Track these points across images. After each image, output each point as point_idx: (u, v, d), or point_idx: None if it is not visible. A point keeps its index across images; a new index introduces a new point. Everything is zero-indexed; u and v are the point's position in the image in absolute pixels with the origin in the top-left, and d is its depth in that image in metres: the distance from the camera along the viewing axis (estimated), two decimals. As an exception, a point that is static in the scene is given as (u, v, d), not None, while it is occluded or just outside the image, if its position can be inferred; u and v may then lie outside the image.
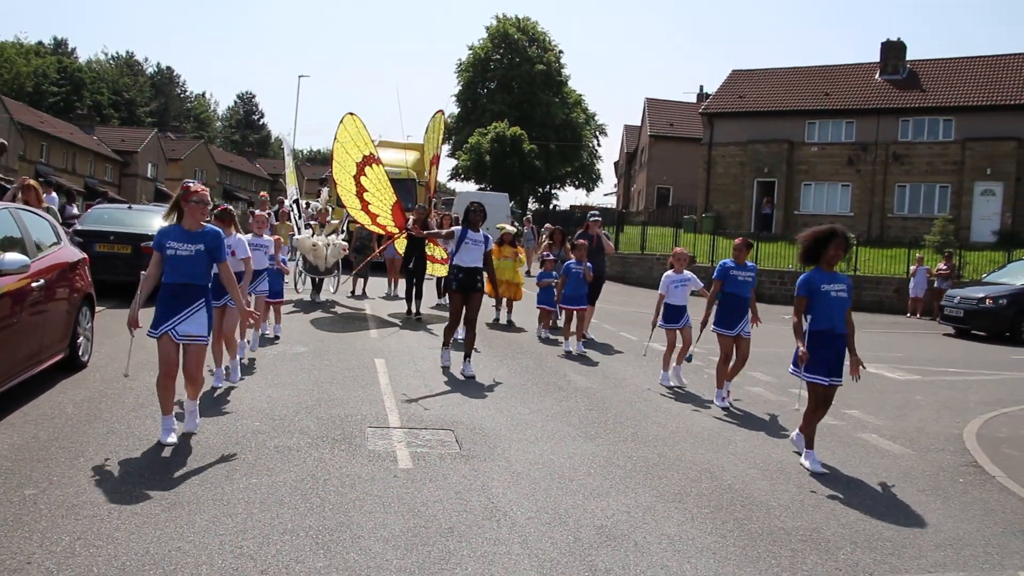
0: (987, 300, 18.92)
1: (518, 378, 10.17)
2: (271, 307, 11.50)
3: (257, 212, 10.91)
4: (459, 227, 10.45)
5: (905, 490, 6.61)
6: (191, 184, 6.41)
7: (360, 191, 14.95)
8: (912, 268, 24.77)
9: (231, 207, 9.18)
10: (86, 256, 9.55)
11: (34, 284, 7.39)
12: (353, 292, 17.87)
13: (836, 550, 5.18)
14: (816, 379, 6.89)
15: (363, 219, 15.37)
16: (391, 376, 9.61)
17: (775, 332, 15.14)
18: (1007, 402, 10.87)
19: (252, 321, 7.83)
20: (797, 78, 43.28)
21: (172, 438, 6.28)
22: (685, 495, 6.05)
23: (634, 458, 6.92)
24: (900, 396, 10.93)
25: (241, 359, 9.43)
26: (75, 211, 22.27)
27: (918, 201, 38.15)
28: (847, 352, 7.00)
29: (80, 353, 8.85)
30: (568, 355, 12.11)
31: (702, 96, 56.77)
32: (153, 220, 15.13)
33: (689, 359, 10.31)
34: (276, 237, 11.55)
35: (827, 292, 6.86)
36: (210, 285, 6.54)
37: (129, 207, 18.56)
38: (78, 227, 14.79)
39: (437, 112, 19.97)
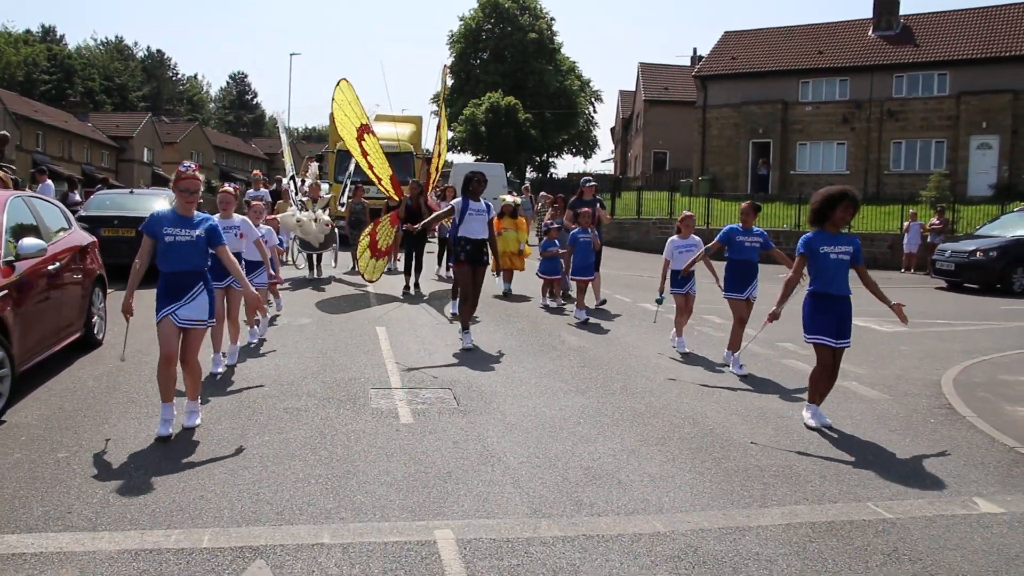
0: (977, 252, 19.29)
1: (514, 340, 10.60)
2: (269, 288, 11.12)
3: (254, 202, 10.68)
4: (458, 199, 10.19)
5: (878, 431, 7.03)
6: (183, 168, 6.22)
7: (364, 153, 14.92)
8: (905, 224, 25.10)
9: (231, 188, 8.96)
10: (96, 239, 9.95)
11: (50, 267, 7.81)
12: (355, 268, 17.66)
13: (805, 483, 5.62)
14: (821, 340, 6.78)
15: (373, 179, 15.40)
16: (392, 343, 10.04)
17: (770, 292, 15.53)
18: (990, 350, 11.26)
19: (259, 312, 8.34)
20: (790, 37, 43.34)
21: (168, 430, 6.02)
22: (668, 439, 6.49)
23: (622, 408, 7.37)
24: (885, 347, 11.32)
25: (252, 343, 9.62)
26: (77, 198, 22.68)
27: (914, 157, 38.38)
28: (883, 303, 6.94)
29: (95, 331, 9.27)
30: (582, 324, 11.96)
31: (696, 59, 56.69)
32: (154, 203, 15.50)
33: (660, 302, 10.29)
34: (272, 217, 11.63)
35: (827, 254, 6.75)
36: (208, 267, 6.36)
37: (131, 192, 18.92)
38: (82, 213, 15.20)
39: (444, 67, 19.76)
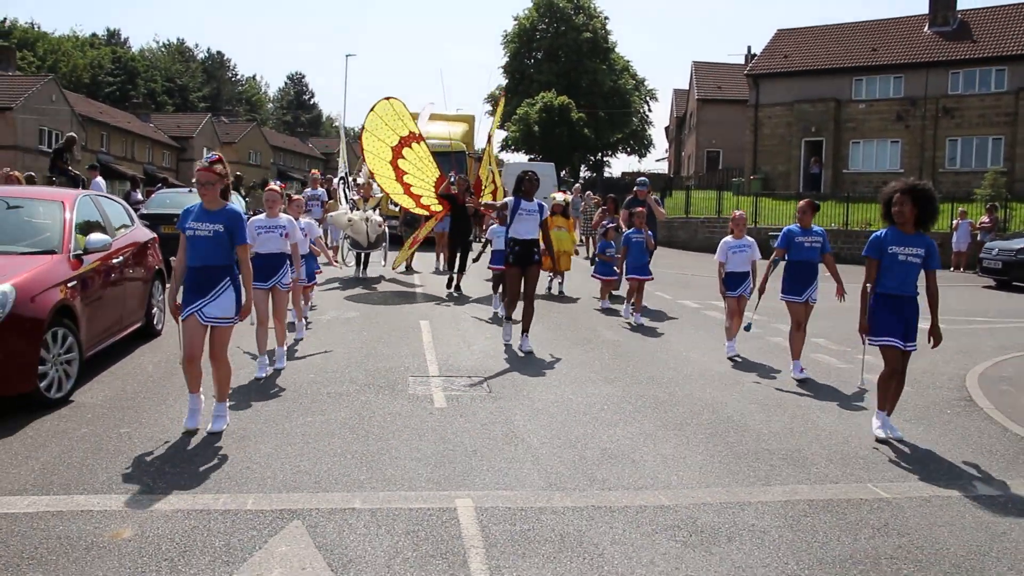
0: (1024, 251, 19.16)
1: (551, 333, 10.98)
2: (304, 291, 10.91)
3: (294, 196, 10.55)
4: (510, 198, 9.97)
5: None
6: (200, 161, 6.23)
7: (399, 175, 14.90)
8: (955, 222, 24.90)
9: (277, 187, 9.04)
10: (156, 236, 10.57)
11: (114, 260, 8.42)
12: (408, 267, 17.78)
13: (811, 465, 5.94)
14: (888, 342, 6.48)
15: (407, 203, 15.39)
16: (434, 335, 10.50)
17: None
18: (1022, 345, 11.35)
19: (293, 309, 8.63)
20: (843, 34, 42.97)
21: (196, 422, 6.09)
22: (685, 424, 6.85)
23: (645, 396, 7.74)
24: (920, 342, 11.44)
25: (291, 345, 9.50)
26: (139, 196, 23.65)
27: (970, 154, 37.85)
28: (931, 316, 6.55)
29: (155, 322, 9.87)
30: (631, 327, 11.76)
31: (750, 57, 56.40)
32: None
33: (748, 328, 9.77)
34: (309, 219, 11.18)
35: (895, 254, 6.37)
36: (235, 265, 6.21)
37: (190, 191, 19.67)
38: (143, 211, 15.95)
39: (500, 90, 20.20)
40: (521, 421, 6.74)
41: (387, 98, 15.07)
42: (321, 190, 21.14)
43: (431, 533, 4.51)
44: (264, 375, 7.97)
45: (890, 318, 6.45)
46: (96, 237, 7.72)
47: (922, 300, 6.56)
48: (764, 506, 5.11)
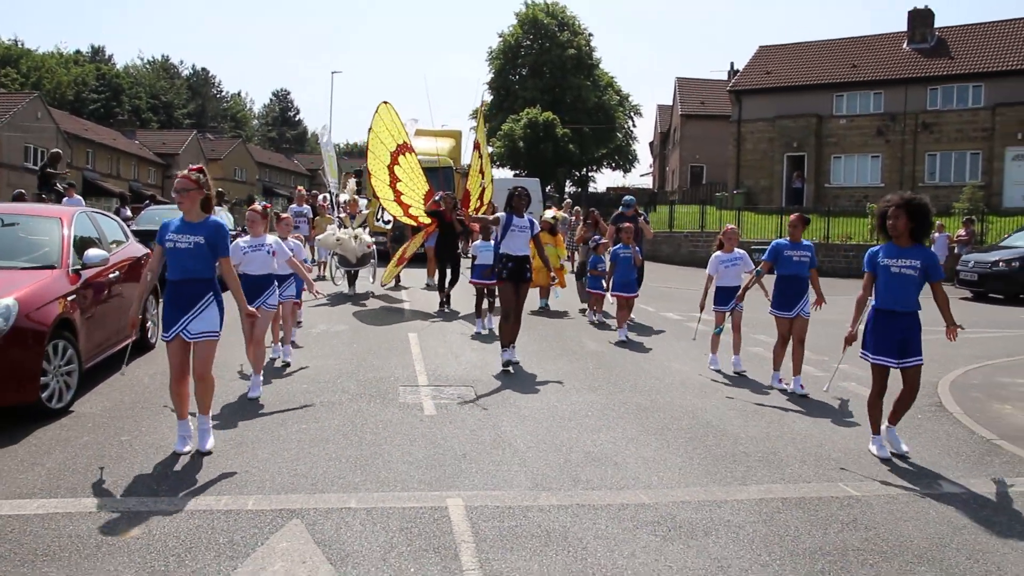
0: (1000, 263, 19.58)
1: (537, 345, 11.24)
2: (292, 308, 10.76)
3: (283, 215, 10.54)
4: (502, 214, 9.88)
5: (865, 425, 7.53)
6: (178, 172, 6.12)
7: (394, 181, 14.89)
8: (933, 236, 25.34)
9: (267, 205, 9.06)
10: (150, 251, 10.77)
11: (111, 275, 8.64)
12: (397, 283, 17.67)
13: (785, 467, 6.23)
14: (878, 360, 6.47)
15: (395, 210, 15.21)
16: (423, 347, 10.75)
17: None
18: (997, 356, 11.68)
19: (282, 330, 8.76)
20: (824, 51, 43.62)
21: (188, 447, 5.99)
22: (666, 429, 7.12)
23: (628, 404, 8.01)
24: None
25: (283, 360, 9.41)
26: (128, 213, 23.90)
27: (949, 169, 38.44)
28: (944, 319, 6.51)
29: (148, 336, 10.07)
30: (622, 343, 11.60)
31: (733, 73, 57.04)
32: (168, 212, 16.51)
33: (718, 332, 9.80)
34: (297, 236, 11.21)
35: (887, 267, 6.33)
36: (217, 279, 6.08)
37: (148, 203, 19.86)
38: (133, 227, 16.16)
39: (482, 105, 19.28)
40: (508, 427, 7.01)
41: (385, 102, 15.11)
42: (306, 207, 21.21)
43: (424, 530, 4.76)
44: (258, 395, 7.81)
45: (884, 335, 6.38)
46: (93, 252, 7.94)
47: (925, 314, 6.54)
48: (740, 503, 5.39)
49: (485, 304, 12.41)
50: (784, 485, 5.81)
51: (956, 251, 24.24)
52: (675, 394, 8.54)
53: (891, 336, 6.38)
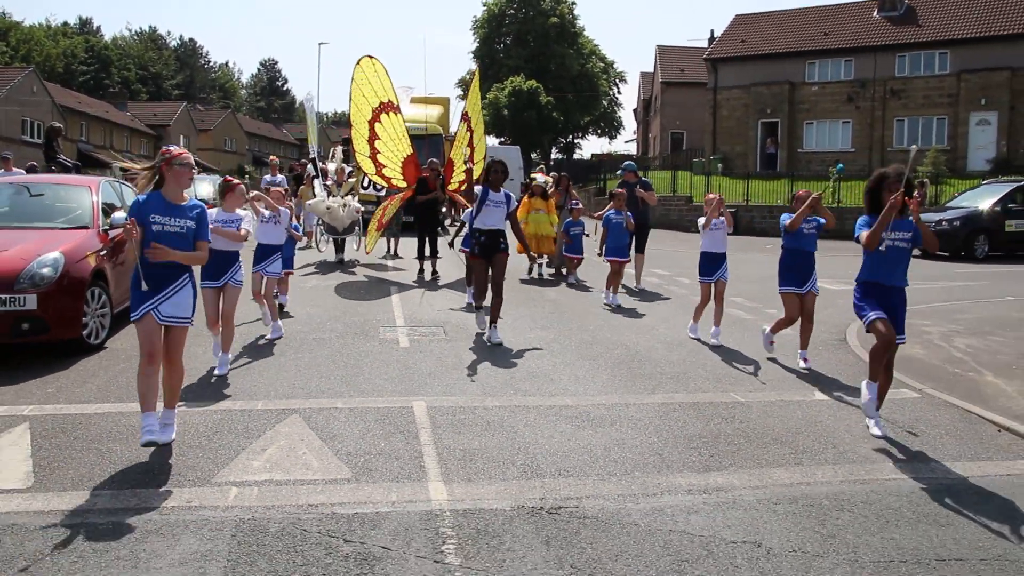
0: (942, 222, 21.05)
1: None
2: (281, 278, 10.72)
3: (273, 188, 10.49)
4: (479, 187, 9.67)
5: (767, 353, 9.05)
6: (172, 147, 5.75)
7: (372, 138, 14.50)
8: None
9: (239, 182, 8.25)
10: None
11: (130, 235, 10.01)
12: (389, 251, 17.95)
13: (690, 381, 7.72)
14: (878, 314, 6.16)
15: (368, 166, 14.85)
16: (402, 299, 12.20)
17: (762, 261, 17.51)
18: (917, 303, 13.12)
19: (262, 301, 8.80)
20: (798, 20, 44.87)
21: (152, 435, 5.38)
22: (599, 357, 8.61)
23: (573, 339, 9.49)
24: (826, 300, 13.15)
25: (271, 339, 9.18)
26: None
27: (916, 134, 39.79)
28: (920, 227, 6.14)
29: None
30: (628, 314, 11.57)
31: (712, 41, 58.21)
32: (199, 186, 17.80)
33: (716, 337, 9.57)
34: (288, 204, 10.83)
35: (882, 239, 6.06)
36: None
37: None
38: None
39: (474, 71, 18.02)
40: (468, 355, 8.50)
41: (370, 56, 14.64)
42: (280, 176, 21.05)
43: (393, 420, 6.24)
44: (223, 371, 7.62)
45: (872, 300, 6.21)
46: (119, 215, 9.30)
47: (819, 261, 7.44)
48: (644, 405, 6.87)
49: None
50: (685, 395, 7.30)
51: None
52: (615, 332, 10.01)
53: (883, 306, 6.19)
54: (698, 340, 9.66)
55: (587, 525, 4.61)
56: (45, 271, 7.76)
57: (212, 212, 7.58)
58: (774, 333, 8.89)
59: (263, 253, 9.27)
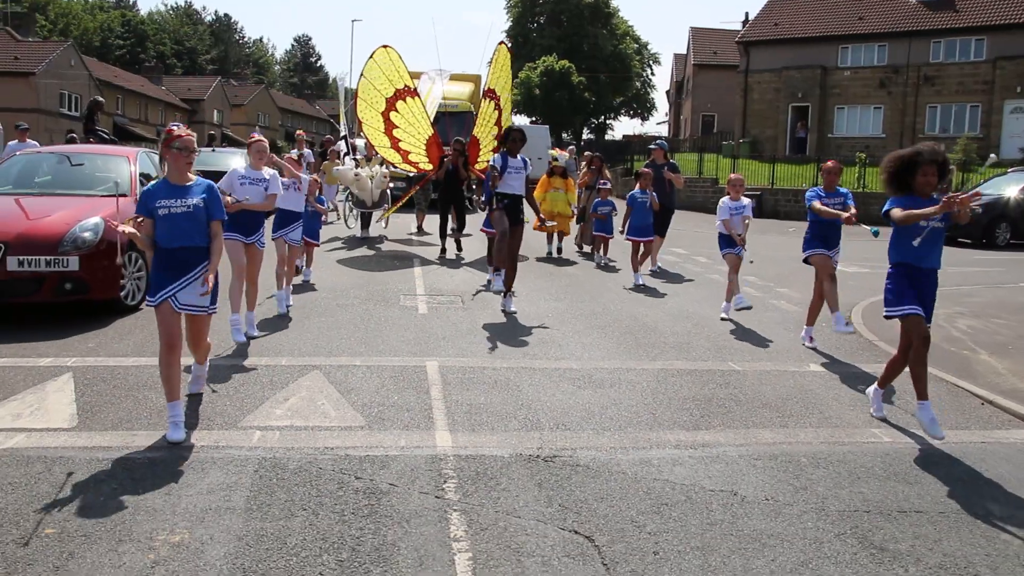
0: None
1: (520, 270, 12.98)
2: (306, 250, 11.19)
3: (288, 155, 10.43)
4: (497, 156, 9.70)
5: (775, 329, 9.40)
6: (174, 127, 5.58)
7: (389, 128, 14.56)
8: (914, 184, 26.86)
9: (263, 139, 8.33)
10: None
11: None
12: (419, 228, 17.86)
13: (691, 350, 8.11)
14: (910, 310, 5.88)
15: (393, 157, 14.91)
16: (423, 270, 12.67)
17: (781, 244, 17.79)
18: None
19: (285, 270, 8.86)
20: (832, 3, 44.50)
21: (179, 435, 5.27)
22: (608, 326, 9.02)
23: (584, 310, 9.91)
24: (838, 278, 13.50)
25: (282, 312, 9.19)
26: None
27: (949, 121, 39.60)
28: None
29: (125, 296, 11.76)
30: (640, 288, 11.76)
31: (747, 23, 57.94)
32: (231, 160, 18.36)
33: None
34: (313, 176, 11.37)
35: (919, 231, 5.78)
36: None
37: (212, 150, 21.66)
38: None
39: (499, 44, 16.99)
40: (482, 321, 8.97)
41: (385, 46, 14.64)
42: (308, 151, 20.51)
43: (407, 376, 6.71)
44: (242, 339, 7.74)
45: (910, 290, 5.89)
46: (155, 184, 9.80)
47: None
48: (644, 371, 7.29)
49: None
50: (684, 362, 7.69)
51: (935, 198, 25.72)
52: (626, 304, 10.41)
53: (916, 292, 5.91)
54: (729, 319, 9.66)
55: (578, 472, 5.04)
56: (87, 235, 8.29)
57: (240, 169, 7.95)
58: (837, 309, 8.50)
59: (282, 219, 9.25)
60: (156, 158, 11.17)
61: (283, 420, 5.71)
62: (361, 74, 14.40)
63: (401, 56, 14.71)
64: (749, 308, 9.59)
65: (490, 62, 17.31)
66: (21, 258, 7.96)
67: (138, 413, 5.77)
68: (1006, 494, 5.07)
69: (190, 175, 5.55)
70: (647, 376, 7.12)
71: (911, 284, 5.90)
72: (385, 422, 5.73)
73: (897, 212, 5.74)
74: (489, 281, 10.38)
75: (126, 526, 4.14)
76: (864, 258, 14.87)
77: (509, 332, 8.55)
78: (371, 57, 14.52)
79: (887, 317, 6.16)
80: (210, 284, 5.40)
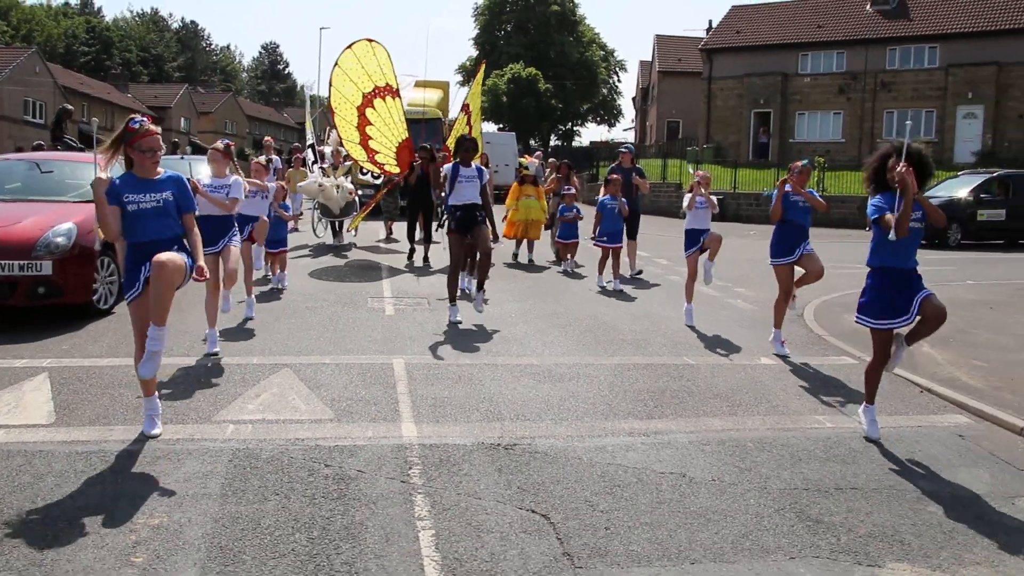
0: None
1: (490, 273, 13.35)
2: (275, 257, 11.23)
3: (255, 160, 10.45)
4: (448, 165, 9.59)
5: (729, 326, 9.76)
6: (135, 123, 5.31)
7: (363, 124, 14.10)
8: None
9: (230, 143, 8.38)
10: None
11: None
12: (388, 236, 18.00)
13: (647, 346, 8.46)
14: (881, 324, 5.83)
15: (358, 153, 14.43)
16: (391, 275, 12.95)
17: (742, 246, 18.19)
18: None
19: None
20: (792, 11, 45.43)
21: (157, 429, 5.45)
22: (568, 325, 9.35)
23: (546, 310, 10.25)
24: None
25: (249, 317, 9.19)
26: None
27: (905, 126, 40.33)
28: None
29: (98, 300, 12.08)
30: (603, 291, 12.00)
31: (710, 30, 58.75)
32: (201, 167, 18.40)
33: (708, 281, 9.92)
34: (279, 183, 11.34)
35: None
36: (183, 238, 5.49)
37: (181, 157, 21.69)
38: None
39: (482, 63, 17.25)
40: (447, 322, 9.22)
41: (369, 40, 14.08)
42: (276, 157, 20.80)
43: (374, 373, 6.99)
44: (216, 350, 7.61)
45: (883, 298, 5.82)
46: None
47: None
48: (602, 366, 7.61)
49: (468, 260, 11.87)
50: (641, 357, 8.03)
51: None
52: (587, 305, 10.75)
53: (890, 299, 5.82)
54: (692, 328, 9.56)
55: (536, 458, 5.34)
56: (60, 240, 8.48)
57: (204, 179, 7.84)
58: (780, 327, 8.57)
59: (241, 222, 8.77)
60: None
61: (255, 414, 5.96)
62: (336, 63, 13.87)
63: (390, 54, 14.19)
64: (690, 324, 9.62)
65: (460, 70, 16.91)
66: (-6, 263, 8.15)
67: (114, 410, 5.99)
68: (935, 472, 5.45)
69: (159, 169, 5.38)
70: (604, 371, 7.45)
71: (888, 286, 5.79)
72: (353, 415, 6.00)
73: (887, 219, 5.61)
74: (463, 289, 10.29)
75: (107, 511, 4.38)
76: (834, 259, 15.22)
77: (473, 331, 8.85)
78: (349, 47, 13.98)
79: (858, 323, 6.07)
80: (206, 274, 5.47)
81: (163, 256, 5.06)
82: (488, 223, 9.57)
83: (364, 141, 14.17)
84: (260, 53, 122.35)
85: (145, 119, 5.38)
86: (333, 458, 5.20)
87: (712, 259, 9.82)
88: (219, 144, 8.16)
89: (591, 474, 5.13)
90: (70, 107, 22.55)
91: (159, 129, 5.41)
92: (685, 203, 9.75)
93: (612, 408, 6.43)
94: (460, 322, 9.28)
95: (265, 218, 9.45)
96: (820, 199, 8.43)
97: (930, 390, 7.34)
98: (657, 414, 6.35)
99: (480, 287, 9.45)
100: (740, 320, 10.21)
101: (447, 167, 9.58)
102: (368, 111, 14.05)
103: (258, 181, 9.37)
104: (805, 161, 8.65)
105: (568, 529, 4.39)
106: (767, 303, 11.05)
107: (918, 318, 5.88)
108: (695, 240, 9.74)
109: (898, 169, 5.54)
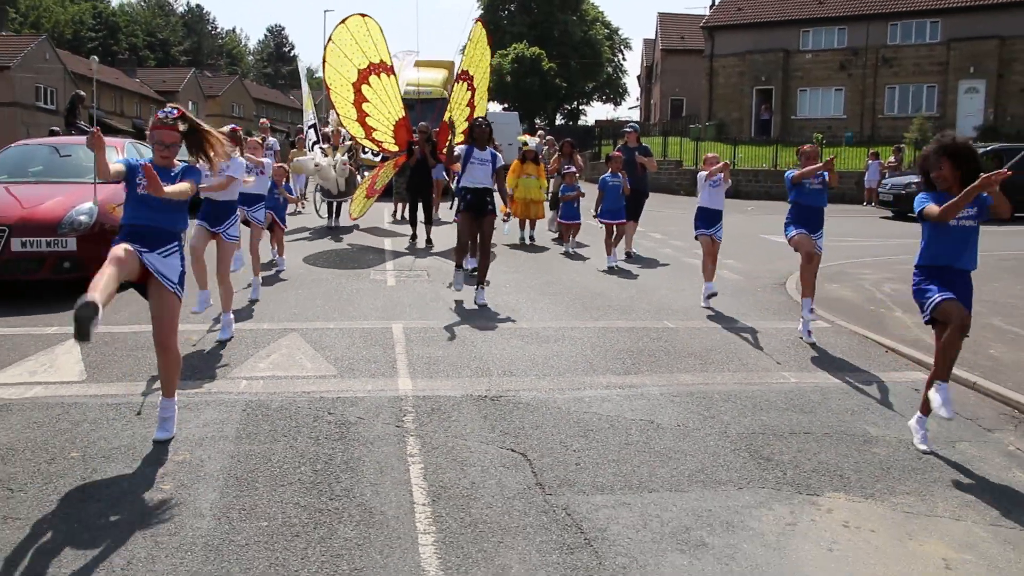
0: (911, 185, 22.15)
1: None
2: (274, 237, 11.10)
3: (250, 139, 10.06)
4: (463, 147, 9.68)
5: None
6: (162, 115, 5.23)
7: (359, 100, 13.96)
8: (868, 162, 27.95)
9: (236, 128, 8.54)
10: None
11: (150, 190, 11.33)
12: (395, 216, 18.00)
13: (631, 311, 9.03)
14: (942, 296, 5.30)
15: (356, 130, 14.29)
16: (393, 252, 13.50)
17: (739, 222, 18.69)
18: (863, 255, 14.34)
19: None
20: (794, -12, 45.64)
21: (166, 434, 5.19)
22: (560, 294, 9.93)
23: (540, 281, 10.84)
24: (781, 252, 14.32)
25: (251, 300, 9.29)
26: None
27: (907, 102, 40.78)
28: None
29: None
30: (610, 270, 11.95)
31: (713, 7, 58.88)
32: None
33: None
34: (279, 164, 11.43)
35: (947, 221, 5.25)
36: (183, 234, 5.45)
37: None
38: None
39: (476, 22, 15.66)
40: (445, 292, 9.83)
41: (362, 15, 13.83)
42: (272, 139, 20.69)
43: (375, 336, 7.59)
44: (203, 310, 7.83)
45: (933, 280, 5.41)
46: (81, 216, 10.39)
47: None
48: (587, 328, 8.20)
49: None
50: (625, 321, 8.61)
51: (887, 176, 26.81)
52: (579, 277, 11.33)
53: (935, 279, 5.42)
54: (709, 308, 9.47)
55: (519, 408, 5.93)
56: (83, 218, 9.09)
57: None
58: (811, 310, 8.30)
59: (245, 201, 8.84)
60: (142, 148, 11.96)
61: (266, 372, 6.57)
62: (330, 38, 13.63)
63: (382, 29, 13.91)
64: (714, 295, 9.56)
65: (463, 49, 16.89)
66: (23, 240, 8.77)
67: (139, 369, 6.60)
68: (887, 420, 6.01)
69: (175, 161, 5.36)
70: (589, 333, 8.03)
71: (942, 283, 5.37)
72: (354, 372, 6.61)
73: (930, 209, 5.27)
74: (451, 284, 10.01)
75: (137, 450, 5.00)
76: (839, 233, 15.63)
77: (468, 300, 9.42)
78: (342, 22, 13.71)
79: (927, 322, 5.61)
80: (149, 175, 4.80)
81: (167, 337, 5.24)
82: (504, 202, 10.13)
83: (361, 118, 14.06)
84: (265, 36, 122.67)
85: (174, 110, 5.27)
86: (336, 407, 5.80)
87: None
88: (225, 129, 7.98)
89: (568, 421, 5.72)
90: (83, 93, 23.18)
91: (178, 125, 5.23)
92: (702, 175, 9.54)
93: (592, 365, 7.01)
94: (461, 288, 9.53)
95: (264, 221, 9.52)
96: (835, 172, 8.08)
97: (895, 350, 7.89)
98: (634, 370, 6.93)
99: (480, 283, 9.44)
100: (724, 289, 10.70)
101: (460, 148, 9.66)
102: (364, 88, 13.91)
103: (253, 157, 9.10)
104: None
105: (543, 465, 4.97)
106: (753, 274, 11.70)
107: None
108: (708, 220, 9.58)
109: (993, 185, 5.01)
